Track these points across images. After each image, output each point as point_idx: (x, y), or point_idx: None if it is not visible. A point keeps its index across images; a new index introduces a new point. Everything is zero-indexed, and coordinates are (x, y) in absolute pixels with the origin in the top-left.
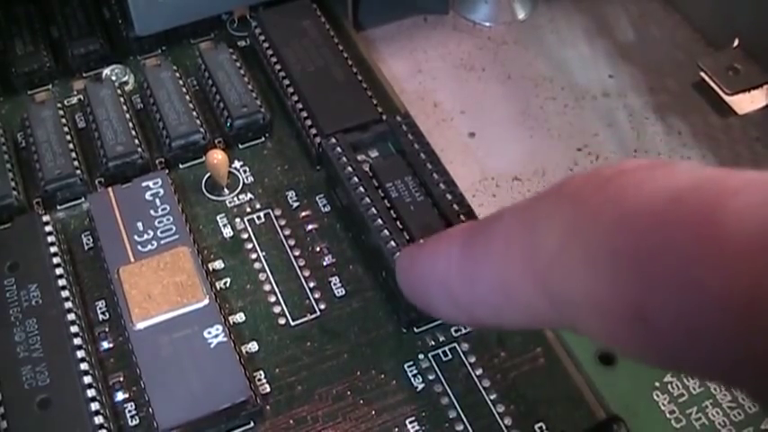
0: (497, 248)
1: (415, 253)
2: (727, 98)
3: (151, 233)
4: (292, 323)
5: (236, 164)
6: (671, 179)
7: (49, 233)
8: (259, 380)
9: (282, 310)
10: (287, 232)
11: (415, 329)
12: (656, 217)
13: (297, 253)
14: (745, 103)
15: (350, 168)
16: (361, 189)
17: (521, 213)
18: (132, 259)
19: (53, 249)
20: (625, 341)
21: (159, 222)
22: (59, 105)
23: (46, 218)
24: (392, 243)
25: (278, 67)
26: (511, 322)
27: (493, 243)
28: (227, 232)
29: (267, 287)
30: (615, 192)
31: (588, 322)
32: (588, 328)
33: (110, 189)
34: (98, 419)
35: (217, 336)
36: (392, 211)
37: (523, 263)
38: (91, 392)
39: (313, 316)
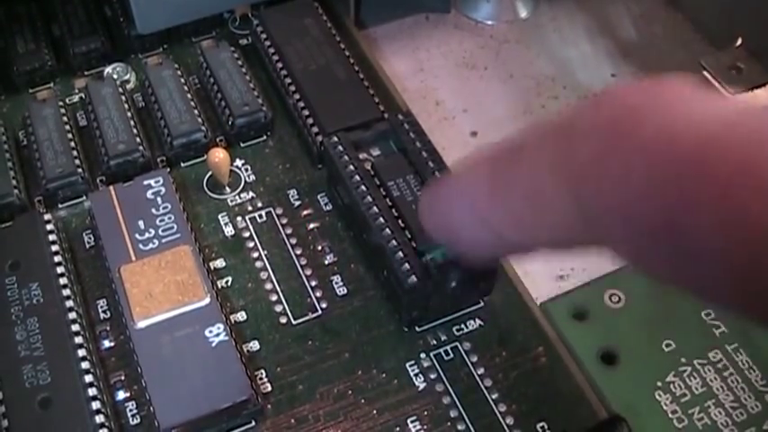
0: (531, 157)
1: (440, 180)
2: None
3: (152, 232)
4: (294, 322)
5: (238, 162)
6: (723, 104)
7: (51, 232)
8: (260, 379)
9: (284, 308)
10: (288, 231)
11: (417, 328)
12: (706, 138)
13: (298, 252)
14: None
15: (351, 167)
16: (363, 188)
17: (557, 123)
18: (133, 258)
19: (54, 248)
20: (649, 256)
21: (160, 221)
22: (61, 104)
23: (47, 216)
24: (394, 242)
25: (279, 65)
26: (539, 238)
27: (526, 152)
28: (229, 231)
29: (268, 286)
30: (662, 104)
31: (617, 235)
32: (614, 240)
33: (111, 187)
34: (99, 418)
35: (218, 335)
36: (394, 210)
37: (557, 170)
38: (92, 391)
39: (314, 315)
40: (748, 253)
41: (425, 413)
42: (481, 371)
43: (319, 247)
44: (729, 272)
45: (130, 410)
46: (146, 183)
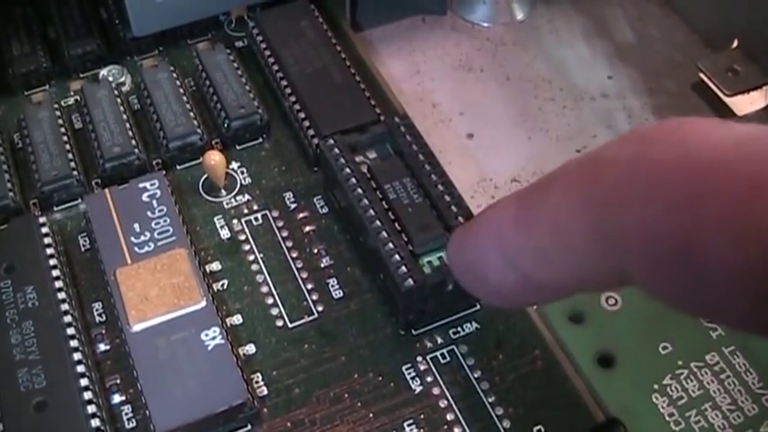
0: (556, 191)
1: (470, 223)
2: (726, 99)
3: (148, 235)
4: (290, 325)
5: (234, 165)
6: (737, 130)
7: (46, 235)
8: (256, 382)
9: (280, 312)
10: (284, 234)
11: (413, 332)
12: (719, 158)
13: (294, 255)
14: (744, 104)
15: (348, 170)
16: (359, 190)
17: (581, 160)
18: (129, 261)
19: (50, 251)
20: (667, 280)
21: (156, 224)
22: (56, 106)
23: (42, 219)
24: (390, 245)
25: (275, 67)
26: (561, 274)
27: (552, 187)
28: (225, 234)
29: (265, 289)
30: (681, 136)
31: (635, 259)
32: (633, 266)
33: (107, 190)
34: (95, 422)
35: (214, 338)
36: (390, 213)
37: (580, 200)
38: (87, 395)
39: (311, 318)
40: (764, 271)
41: (422, 417)
42: (478, 374)
43: (315, 250)
44: (747, 292)
45: (126, 414)
46: (141, 185)
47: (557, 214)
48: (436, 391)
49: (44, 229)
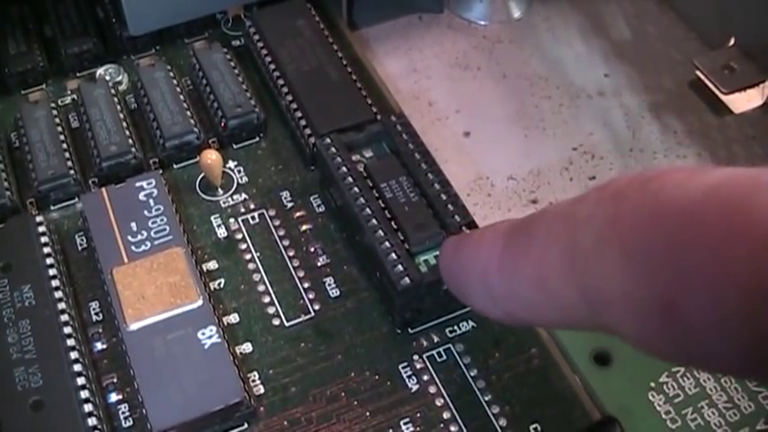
0: (538, 245)
1: (459, 242)
2: (722, 97)
3: (145, 234)
4: (286, 324)
5: (231, 164)
6: (707, 178)
7: (43, 234)
8: (253, 381)
9: (277, 310)
10: (281, 233)
11: (410, 330)
12: (689, 210)
13: (291, 253)
14: (740, 102)
15: (344, 168)
16: (356, 189)
17: (562, 211)
18: (126, 260)
19: (46, 250)
20: (655, 339)
21: (153, 223)
22: (53, 105)
23: (39, 218)
24: (386, 244)
25: (272, 66)
26: (544, 320)
27: (534, 240)
28: (222, 233)
29: (261, 288)
30: (655, 189)
31: (622, 320)
32: (620, 326)
33: (103, 189)
34: (91, 421)
35: (211, 337)
36: (387, 212)
37: (562, 259)
38: (84, 394)
39: (307, 317)
40: (749, 321)
41: (418, 415)
42: (474, 372)
43: (312, 249)
44: (733, 342)
45: (123, 413)
46: (138, 184)
47: (539, 270)
48: (432, 389)
49: (41, 228)
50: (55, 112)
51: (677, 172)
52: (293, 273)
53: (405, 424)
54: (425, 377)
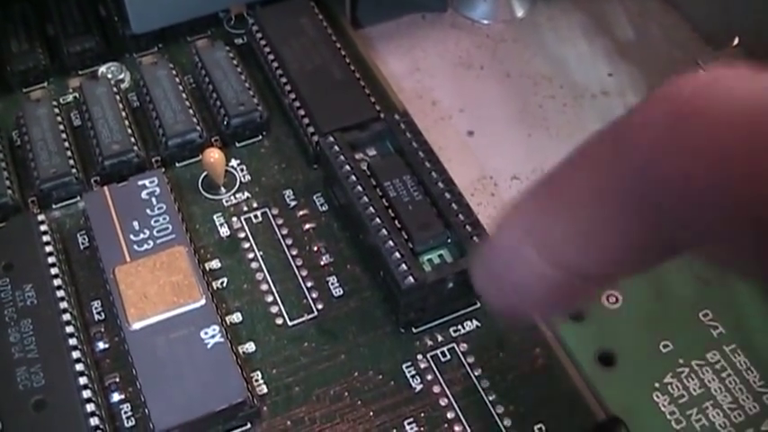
0: (586, 162)
1: (491, 234)
2: None
3: (147, 232)
4: (290, 323)
5: (233, 162)
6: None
7: (45, 233)
8: (256, 381)
9: (280, 310)
10: (284, 231)
11: (414, 330)
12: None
13: (294, 252)
14: None
15: (348, 167)
16: (359, 188)
17: (609, 125)
18: (128, 259)
19: (48, 249)
20: (727, 243)
21: (155, 222)
22: (55, 103)
23: (41, 217)
24: (390, 242)
25: (275, 65)
26: (603, 253)
27: (579, 160)
28: (224, 231)
29: (264, 287)
30: (724, 88)
31: (688, 224)
32: (687, 232)
33: (105, 188)
34: (94, 421)
35: (213, 336)
36: (390, 211)
37: (616, 167)
38: (86, 393)
39: (310, 316)
40: None
41: (422, 415)
42: (478, 372)
43: (315, 248)
44: None
45: (125, 413)
46: (140, 183)
47: (591, 185)
48: (437, 389)
49: (43, 227)
50: (57, 110)
51: (735, 72)
52: (296, 272)
53: (408, 424)
54: (429, 377)
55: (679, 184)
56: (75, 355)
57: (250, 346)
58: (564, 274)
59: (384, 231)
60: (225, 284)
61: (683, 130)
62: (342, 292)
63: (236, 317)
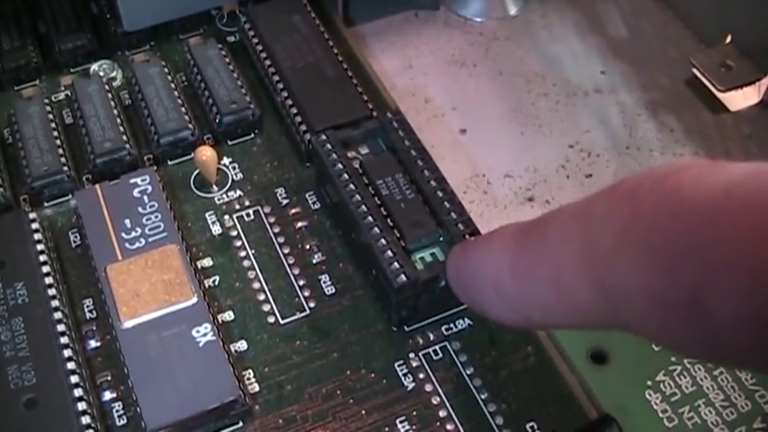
0: (552, 246)
1: (467, 250)
2: (719, 95)
3: (139, 230)
4: (282, 322)
5: (225, 160)
6: (727, 173)
7: (36, 231)
8: (248, 379)
9: (272, 308)
10: (276, 230)
11: (406, 328)
12: (712, 209)
13: (286, 251)
14: (737, 100)
15: (340, 165)
16: (352, 186)
17: (576, 212)
18: (120, 257)
19: (40, 247)
20: (681, 335)
21: (147, 220)
22: (46, 101)
23: (33, 215)
24: (382, 241)
25: (268, 62)
26: (561, 321)
27: (548, 241)
28: (216, 230)
29: (256, 285)
30: (672, 187)
31: (644, 318)
32: (643, 324)
33: (97, 186)
34: (85, 419)
35: (205, 334)
36: (382, 209)
37: (579, 260)
38: (78, 392)
39: (302, 314)
40: None
41: (414, 413)
42: (470, 370)
43: (307, 246)
44: (762, 338)
45: (117, 411)
46: (132, 181)
47: (556, 271)
48: (429, 387)
49: (34, 225)
50: (48, 108)
51: (692, 168)
52: (288, 270)
53: (401, 422)
54: (421, 375)
55: (636, 281)
56: (67, 353)
57: (242, 345)
58: (520, 318)
59: (376, 229)
60: (217, 282)
61: (637, 231)
62: (334, 290)
63: (228, 315)
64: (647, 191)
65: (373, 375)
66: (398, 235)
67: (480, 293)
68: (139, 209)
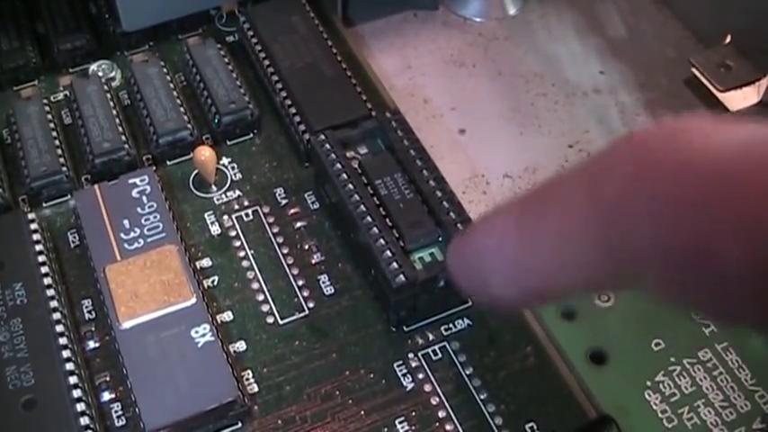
0: (557, 206)
1: (467, 232)
2: (718, 95)
3: (138, 231)
4: (281, 322)
5: (224, 161)
6: (741, 131)
7: (35, 231)
8: (247, 379)
9: (271, 308)
10: (275, 230)
11: (405, 328)
12: (725, 168)
13: (285, 251)
14: (736, 100)
15: (339, 165)
16: (350, 186)
17: (580, 170)
18: (119, 257)
19: (38, 248)
20: (686, 288)
21: (146, 220)
22: (45, 101)
23: (31, 215)
24: (381, 241)
25: (266, 62)
26: (567, 285)
27: (552, 201)
28: (215, 230)
29: (255, 285)
30: (681, 143)
31: (647, 271)
32: (647, 277)
33: (96, 186)
34: (84, 420)
35: (204, 335)
36: (381, 209)
37: (586, 213)
38: (77, 393)
39: (301, 315)
40: None
41: (413, 414)
42: (470, 371)
43: (306, 246)
44: (762, 295)
45: (116, 412)
46: (131, 181)
47: (560, 229)
48: (428, 387)
49: (33, 226)
50: (47, 108)
51: (698, 125)
52: (287, 270)
53: (400, 423)
54: (420, 375)
55: (643, 228)
56: (65, 354)
57: (241, 345)
58: (523, 290)
59: (375, 230)
60: (215, 283)
61: (647, 180)
62: (333, 290)
63: (227, 315)
64: (658, 143)
65: (372, 376)
66: (397, 235)
67: (480, 268)
68: (138, 209)
